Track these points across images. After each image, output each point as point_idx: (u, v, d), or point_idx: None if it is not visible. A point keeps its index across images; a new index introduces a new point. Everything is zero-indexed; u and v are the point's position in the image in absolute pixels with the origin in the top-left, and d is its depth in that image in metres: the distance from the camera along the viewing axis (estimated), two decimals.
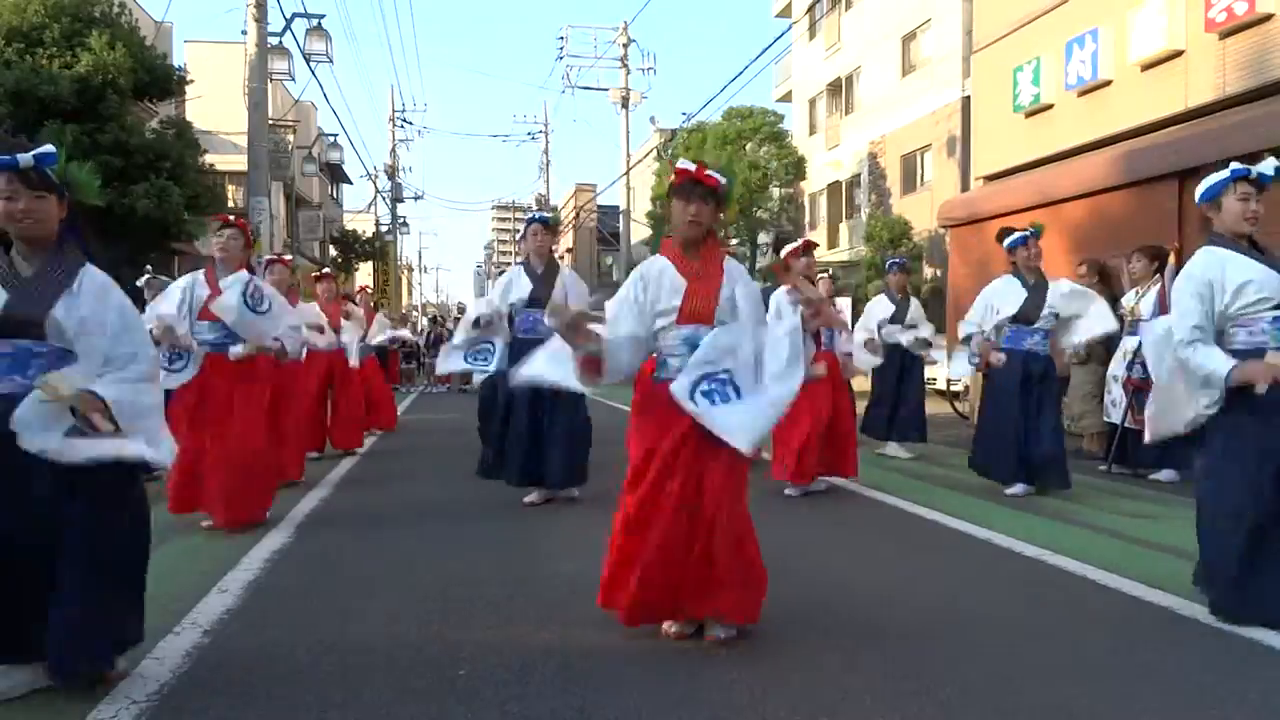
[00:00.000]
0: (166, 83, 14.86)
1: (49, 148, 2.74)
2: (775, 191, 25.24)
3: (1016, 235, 6.01)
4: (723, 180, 3.12)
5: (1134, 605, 3.62)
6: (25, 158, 2.66)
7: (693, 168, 3.09)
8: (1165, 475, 6.58)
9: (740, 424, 2.98)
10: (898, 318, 7.99)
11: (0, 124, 11.82)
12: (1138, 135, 9.34)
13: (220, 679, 2.85)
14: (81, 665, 2.68)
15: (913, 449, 8.08)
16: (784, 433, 5.83)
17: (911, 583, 3.99)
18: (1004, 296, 5.99)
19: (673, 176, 3.15)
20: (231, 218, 5.40)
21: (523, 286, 5.69)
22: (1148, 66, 9.34)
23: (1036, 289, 5.95)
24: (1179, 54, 8.98)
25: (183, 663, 2.96)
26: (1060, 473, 5.97)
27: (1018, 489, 5.99)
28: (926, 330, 8.05)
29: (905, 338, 7.95)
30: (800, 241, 5.88)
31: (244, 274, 5.15)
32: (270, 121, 15.15)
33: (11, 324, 2.63)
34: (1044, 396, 6.00)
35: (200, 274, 5.22)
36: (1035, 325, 5.93)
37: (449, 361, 6.03)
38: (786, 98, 29.63)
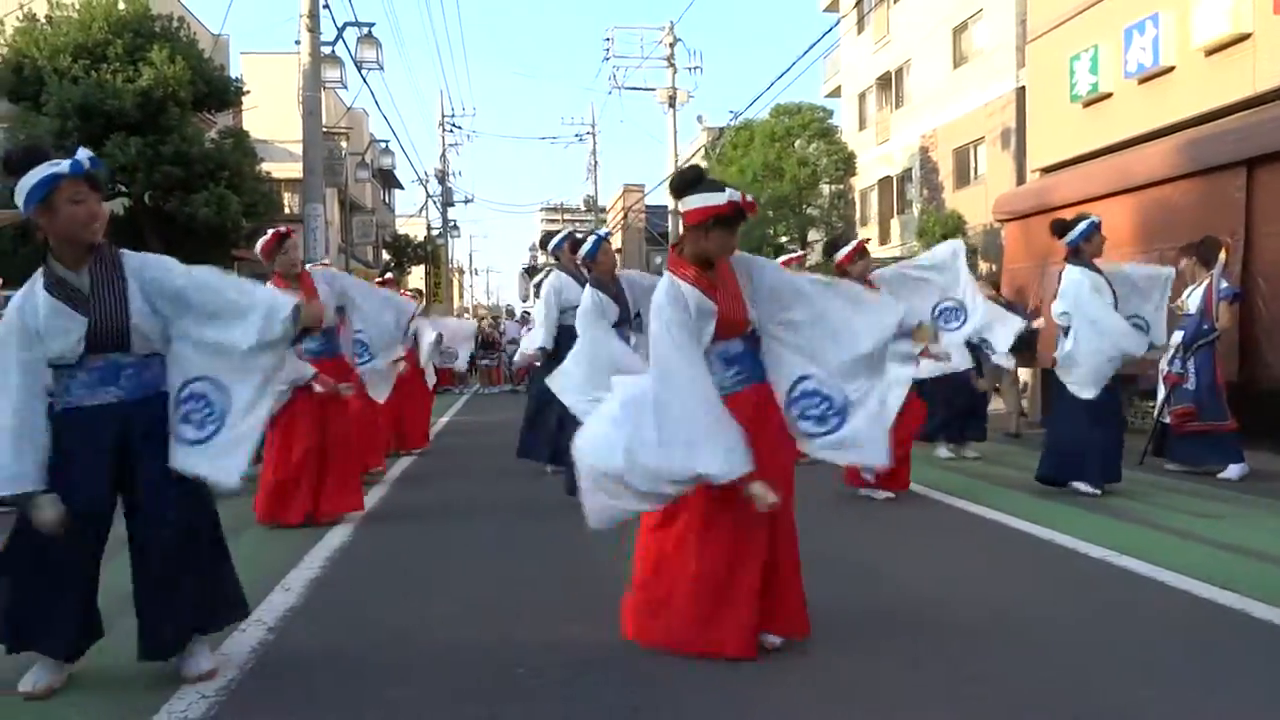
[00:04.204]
0: (224, 94, 15.24)
1: (91, 153, 2.77)
2: (825, 188, 24.99)
3: (1088, 223, 5.69)
4: None
5: (1205, 607, 3.51)
6: (85, 160, 2.68)
7: (738, 198, 3.02)
8: (1234, 472, 6.38)
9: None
10: None
11: (69, 137, 12.24)
12: (1202, 123, 9.06)
13: (285, 674, 2.91)
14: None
15: (976, 448, 7.94)
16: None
17: (973, 583, 3.92)
18: (1100, 289, 5.67)
19: (722, 205, 2.98)
20: (284, 229, 5.42)
21: (610, 311, 5.41)
22: (1212, 51, 9.07)
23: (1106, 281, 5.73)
24: (1245, 37, 8.69)
25: (249, 659, 3.03)
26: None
27: (1087, 487, 5.83)
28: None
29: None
30: (855, 244, 5.76)
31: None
32: (324, 129, 15.43)
33: (99, 342, 2.70)
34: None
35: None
36: None
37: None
38: (835, 93, 29.33)
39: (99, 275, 2.73)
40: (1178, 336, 6.64)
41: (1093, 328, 5.58)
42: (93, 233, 2.72)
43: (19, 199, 2.68)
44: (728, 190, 3.03)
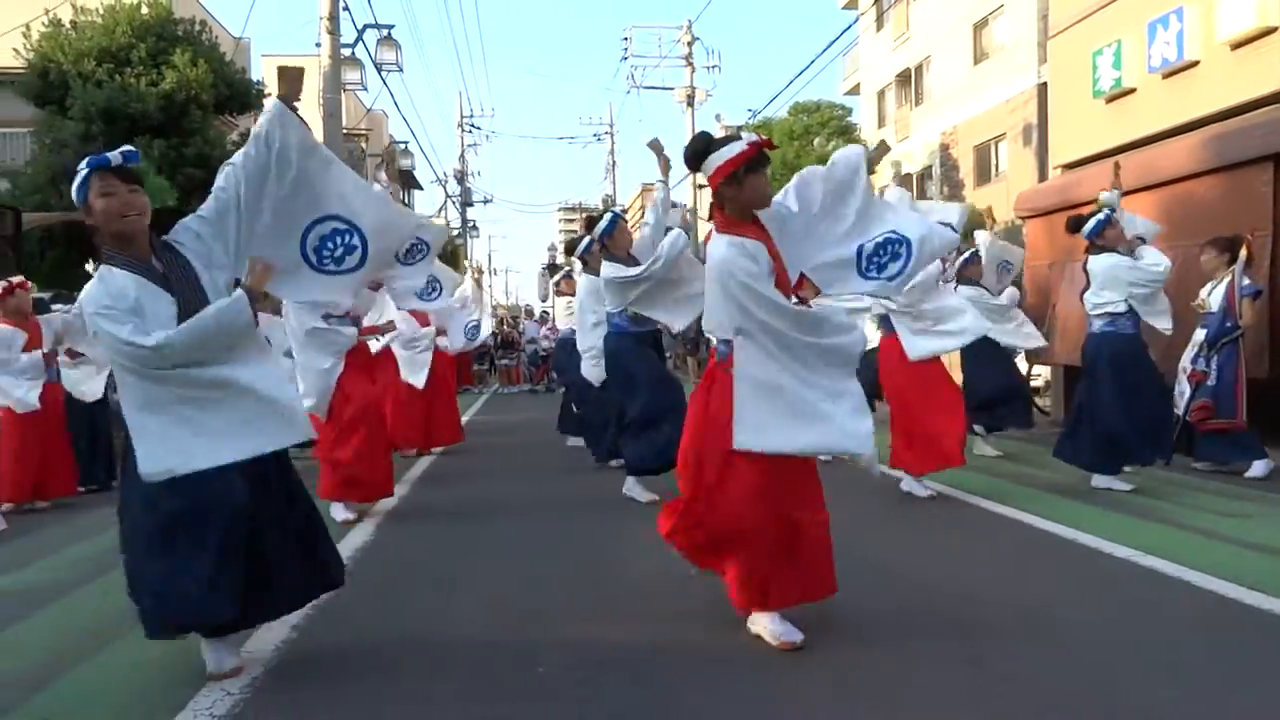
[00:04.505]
0: (245, 96, 15.35)
1: (129, 147, 2.85)
2: None
3: (1098, 218, 5.78)
4: None
5: (1232, 607, 3.46)
6: (114, 155, 2.77)
7: (756, 138, 3.07)
8: (1259, 469, 6.31)
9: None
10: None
11: (93, 141, 12.37)
12: (1228, 117, 8.95)
13: (308, 672, 2.93)
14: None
15: (1000, 445, 7.88)
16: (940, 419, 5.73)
17: (998, 583, 3.90)
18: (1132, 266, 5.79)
19: (745, 150, 3.01)
20: None
21: None
22: (1238, 45, 8.95)
23: None
24: (1272, 30, 8.56)
25: (273, 656, 3.06)
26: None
27: (1114, 482, 5.88)
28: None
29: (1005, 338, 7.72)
30: None
31: None
32: (344, 131, 15.51)
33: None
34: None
35: None
36: None
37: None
38: (854, 90, 29.21)
39: (168, 261, 2.80)
40: (1200, 334, 6.61)
41: (1148, 290, 5.75)
42: (129, 223, 2.76)
43: (79, 206, 2.80)
44: (744, 135, 3.08)
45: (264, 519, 2.83)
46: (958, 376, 7.84)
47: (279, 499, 2.91)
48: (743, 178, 3.02)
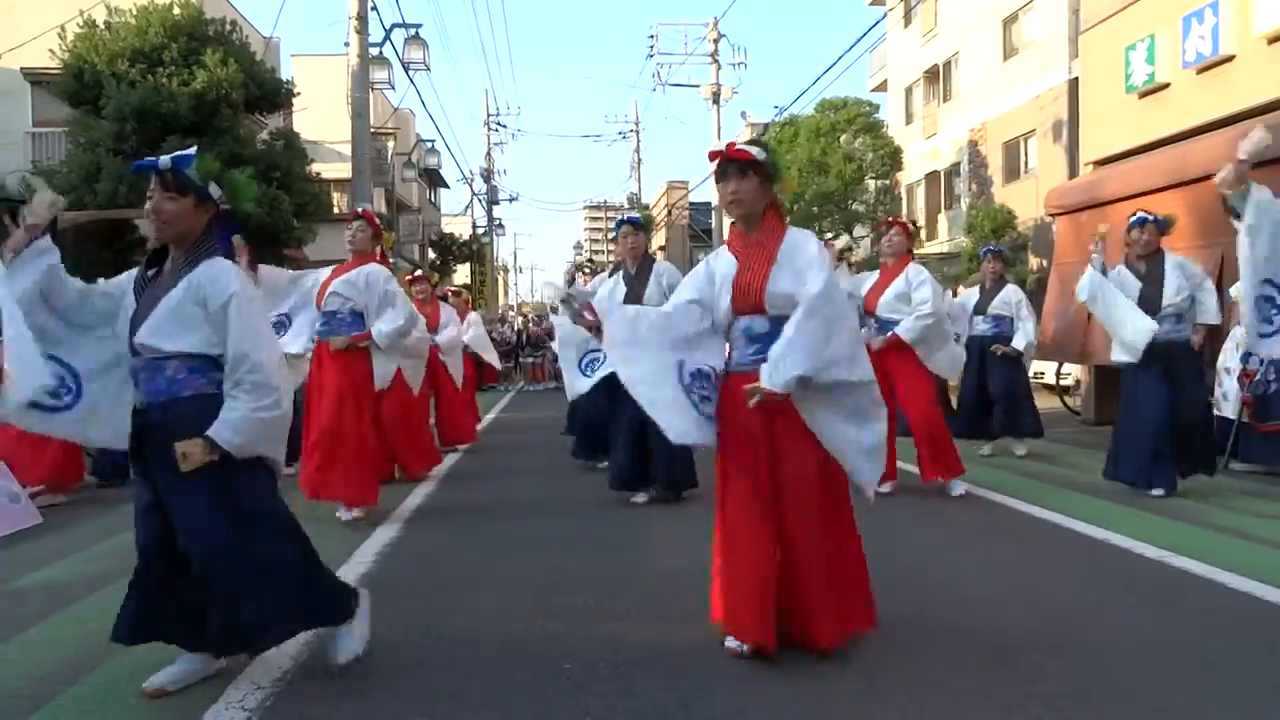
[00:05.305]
0: (275, 96, 15.45)
1: (190, 150, 2.84)
2: (871, 184, 24.69)
3: (1136, 215, 5.77)
4: (755, 152, 3.01)
5: (1267, 611, 3.41)
6: (164, 160, 2.77)
7: (722, 148, 3.06)
8: None
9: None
10: (980, 307, 7.73)
11: (126, 140, 12.53)
12: (1263, 113, 8.79)
13: (336, 668, 2.95)
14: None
15: (1028, 444, 7.79)
16: None
17: (1026, 585, 3.86)
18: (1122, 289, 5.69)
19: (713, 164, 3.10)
20: (360, 209, 5.83)
21: (620, 292, 5.66)
22: (1274, 39, 8.80)
23: (1149, 277, 5.65)
24: None
25: (302, 651, 3.08)
26: (1209, 449, 5.79)
27: (1158, 490, 5.71)
28: (1022, 337, 7.53)
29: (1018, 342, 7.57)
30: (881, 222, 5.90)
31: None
32: (371, 129, 15.61)
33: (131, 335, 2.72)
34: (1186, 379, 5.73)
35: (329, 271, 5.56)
36: (1160, 314, 5.58)
37: (577, 385, 5.87)
38: (882, 87, 28.99)
39: (165, 272, 2.79)
40: (1240, 332, 6.46)
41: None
42: (156, 229, 2.79)
43: None
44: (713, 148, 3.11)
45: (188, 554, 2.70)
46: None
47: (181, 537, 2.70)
48: (718, 185, 3.14)
